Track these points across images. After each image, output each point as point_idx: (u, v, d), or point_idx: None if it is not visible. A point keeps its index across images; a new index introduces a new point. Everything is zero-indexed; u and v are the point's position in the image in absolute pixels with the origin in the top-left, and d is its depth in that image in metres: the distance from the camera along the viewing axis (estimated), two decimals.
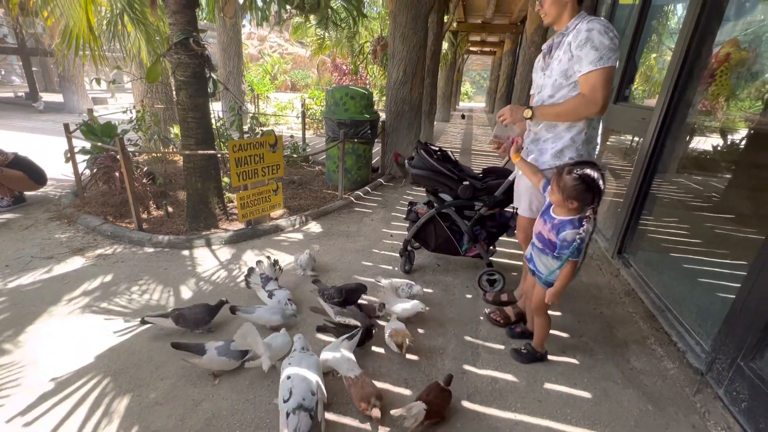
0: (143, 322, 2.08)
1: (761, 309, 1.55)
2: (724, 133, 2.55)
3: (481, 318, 2.34)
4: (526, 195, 2.04)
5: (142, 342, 2.01)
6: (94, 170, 3.78)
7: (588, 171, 1.54)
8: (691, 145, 2.73)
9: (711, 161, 2.64)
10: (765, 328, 1.53)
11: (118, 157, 3.13)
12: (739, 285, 1.69)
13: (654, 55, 3.46)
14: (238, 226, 3.39)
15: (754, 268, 1.62)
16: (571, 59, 1.71)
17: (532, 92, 2.05)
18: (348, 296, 2.22)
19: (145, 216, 3.52)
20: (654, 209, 2.79)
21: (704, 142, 2.68)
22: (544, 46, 1.94)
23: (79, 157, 3.85)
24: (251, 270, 2.46)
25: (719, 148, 2.58)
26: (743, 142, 2.45)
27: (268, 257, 2.51)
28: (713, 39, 2.36)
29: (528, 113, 1.84)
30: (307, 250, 2.73)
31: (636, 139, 3.17)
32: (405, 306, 2.16)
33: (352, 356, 1.76)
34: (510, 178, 2.27)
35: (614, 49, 1.64)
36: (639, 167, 2.73)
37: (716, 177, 2.65)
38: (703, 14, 2.32)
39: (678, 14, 3.10)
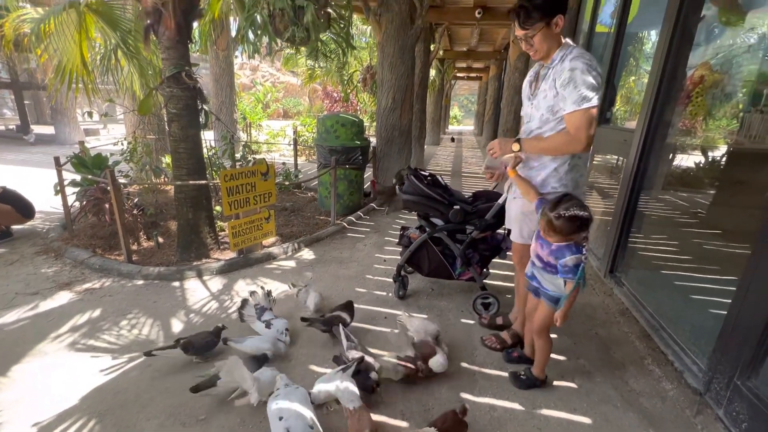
0: (147, 355, 1.99)
1: (752, 325, 1.55)
2: (704, 151, 2.64)
3: (477, 343, 2.31)
4: (516, 222, 2.06)
5: (129, 380, 1.94)
6: (84, 202, 3.76)
7: (573, 211, 1.58)
8: (674, 164, 2.81)
9: (694, 178, 2.72)
10: (758, 345, 1.53)
11: (108, 188, 3.12)
12: (729, 301, 1.70)
13: (632, 78, 3.60)
14: (230, 255, 3.35)
15: (742, 283, 1.63)
16: (556, 96, 1.75)
17: (522, 114, 2.10)
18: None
19: (135, 247, 3.48)
20: (642, 227, 2.83)
21: (686, 160, 2.76)
22: (530, 74, 1.99)
23: (69, 190, 3.83)
24: (245, 302, 2.39)
25: (701, 165, 2.66)
26: (723, 159, 2.54)
27: (262, 287, 2.48)
28: (686, 62, 2.48)
29: (516, 147, 1.87)
30: (317, 293, 2.58)
31: (621, 159, 3.25)
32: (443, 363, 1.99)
33: (354, 387, 1.71)
34: (500, 201, 2.30)
35: (597, 87, 1.65)
36: (625, 187, 2.79)
37: (700, 193, 2.72)
38: (674, 40, 2.43)
39: (652, 40, 3.25)
